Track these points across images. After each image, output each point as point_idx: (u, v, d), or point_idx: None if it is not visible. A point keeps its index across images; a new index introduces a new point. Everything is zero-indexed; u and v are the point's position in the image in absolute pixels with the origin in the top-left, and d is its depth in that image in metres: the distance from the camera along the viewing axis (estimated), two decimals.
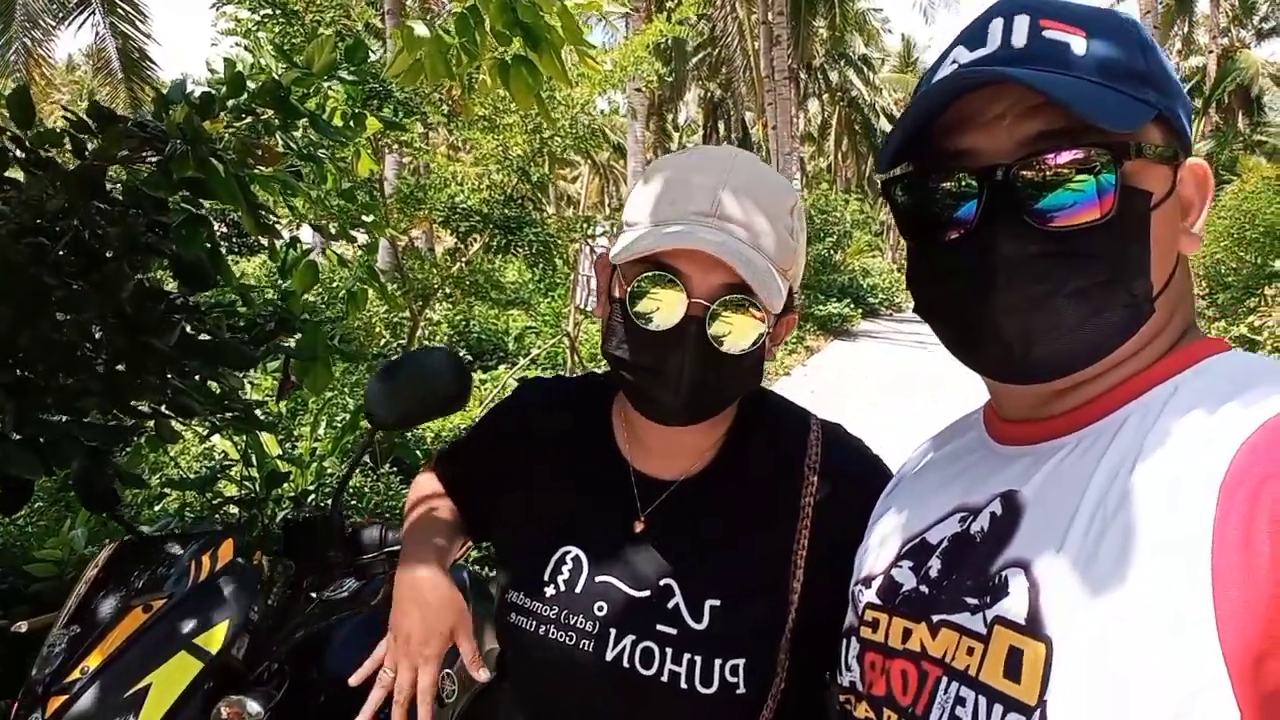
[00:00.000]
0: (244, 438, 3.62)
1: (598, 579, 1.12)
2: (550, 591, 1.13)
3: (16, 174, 2.45)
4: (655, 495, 1.15)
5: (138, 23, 17.07)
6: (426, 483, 1.38)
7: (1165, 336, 0.76)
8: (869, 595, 0.88)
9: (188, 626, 1.49)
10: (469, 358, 11.63)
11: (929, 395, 9.75)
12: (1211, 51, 32.99)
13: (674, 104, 40.05)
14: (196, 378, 2.39)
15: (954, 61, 0.78)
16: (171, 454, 4.38)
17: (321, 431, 5.22)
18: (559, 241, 5.43)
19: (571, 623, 1.11)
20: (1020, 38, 0.74)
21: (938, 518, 0.84)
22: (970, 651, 0.71)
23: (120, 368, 2.36)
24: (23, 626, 1.57)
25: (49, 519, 4.27)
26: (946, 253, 0.77)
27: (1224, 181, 15.41)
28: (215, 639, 1.49)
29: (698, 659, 1.05)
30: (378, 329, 7.36)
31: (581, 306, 8.20)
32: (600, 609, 1.10)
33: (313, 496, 3.95)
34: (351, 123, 3.28)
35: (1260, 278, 12.30)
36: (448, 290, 5.66)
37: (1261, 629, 0.56)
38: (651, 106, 30.50)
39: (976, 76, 0.73)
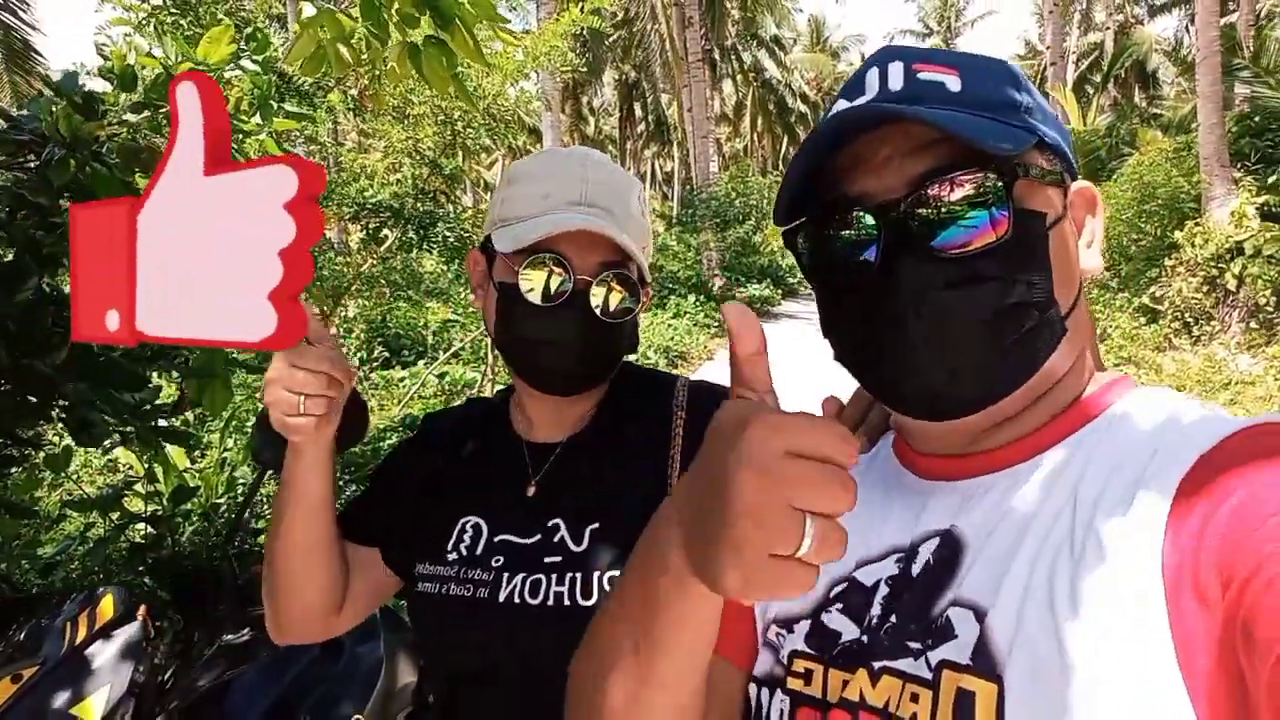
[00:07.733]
0: (149, 451, 3.44)
1: (496, 539, 1.22)
2: (452, 556, 1.23)
3: None
4: (545, 459, 1.28)
5: (19, 11, 16.07)
6: None
7: (1076, 373, 0.77)
8: (794, 641, 0.82)
9: (62, 697, 1.36)
10: (386, 354, 11.32)
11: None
12: (1109, 28, 34.10)
13: (590, 87, 39.81)
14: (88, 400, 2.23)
15: (836, 114, 0.78)
16: (73, 469, 4.16)
17: (231, 441, 5.00)
18: (474, 238, 5.30)
19: (470, 576, 1.20)
20: (897, 82, 0.78)
21: (865, 557, 0.81)
22: (915, 698, 0.68)
23: (3, 390, 2.20)
24: None
25: None
26: (855, 297, 0.77)
27: (1124, 155, 15.88)
28: (93, 709, 1.37)
29: (578, 575, 1.15)
30: None
31: None
32: (497, 561, 1.20)
33: (224, 510, 3.77)
34: (258, 116, 3.12)
35: (1160, 249, 12.71)
36: (361, 287, 5.47)
37: (1220, 648, 0.55)
38: (566, 90, 30.26)
39: (863, 112, 0.74)
